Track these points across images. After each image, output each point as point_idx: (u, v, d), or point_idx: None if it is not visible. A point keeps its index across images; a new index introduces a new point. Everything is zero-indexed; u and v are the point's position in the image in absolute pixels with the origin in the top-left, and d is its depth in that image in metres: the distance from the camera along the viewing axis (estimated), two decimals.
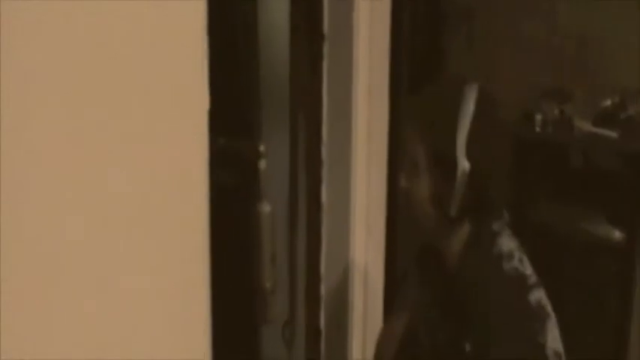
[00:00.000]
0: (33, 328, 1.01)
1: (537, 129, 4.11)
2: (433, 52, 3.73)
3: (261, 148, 2.47)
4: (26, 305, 1.00)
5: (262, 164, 2.47)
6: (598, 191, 4.00)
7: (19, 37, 0.98)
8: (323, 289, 2.61)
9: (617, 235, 3.96)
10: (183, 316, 1.31)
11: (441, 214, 1.86)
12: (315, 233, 2.60)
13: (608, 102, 4.10)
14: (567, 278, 3.68)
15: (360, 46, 2.54)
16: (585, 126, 4.09)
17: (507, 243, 1.90)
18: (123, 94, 1.15)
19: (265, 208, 2.47)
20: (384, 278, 2.73)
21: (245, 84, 2.62)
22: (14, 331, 0.96)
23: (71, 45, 1.06)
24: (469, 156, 1.78)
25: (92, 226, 1.11)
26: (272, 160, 2.54)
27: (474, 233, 1.89)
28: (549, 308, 1.92)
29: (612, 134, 4.03)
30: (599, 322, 3.86)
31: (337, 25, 2.54)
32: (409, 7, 2.92)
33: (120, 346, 1.18)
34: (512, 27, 4.21)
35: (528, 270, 1.90)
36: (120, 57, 1.13)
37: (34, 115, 1.01)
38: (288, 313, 2.56)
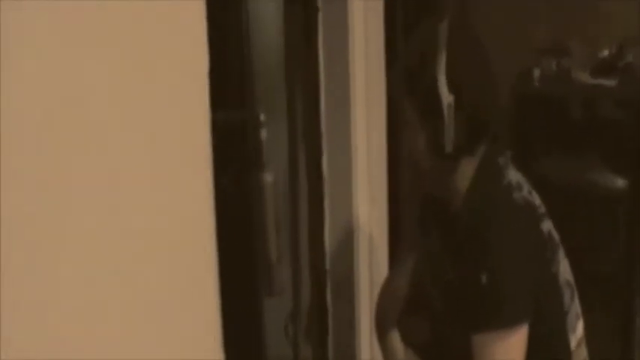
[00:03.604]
0: (35, 327, 0.95)
1: (536, 83, 4.02)
2: (428, 15, 3.59)
3: (262, 117, 2.37)
4: (28, 305, 0.94)
5: (263, 134, 2.37)
6: (600, 141, 3.93)
7: None
8: (328, 263, 2.51)
9: (620, 183, 3.88)
10: (190, 291, 1.25)
11: (439, 157, 1.80)
12: (318, 205, 2.50)
13: (606, 52, 4.02)
14: (572, 230, 3.58)
15: (355, 15, 2.44)
16: (584, 77, 4.01)
17: (515, 175, 1.88)
18: (124, 68, 1.07)
19: (268, 178, 2.37)
20: (389, 247, 2.64)
21: (241, 56, 2.52)
22: (15, 332, 0.91)
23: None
24: (451, 88, 1.74)
25: (91, 202, 1.04)
26: (272, 132, 2.44)
27: (480, 167, 1.86)
28: (558, 239, 1.91)
29: (611, 83, 3.95)
30: (606, 273, 3.77)
31: None
32: None
33: (124, 331, 1.12)
34: None
35: (537, 200, 1.89)
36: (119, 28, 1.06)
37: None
38: (292, 287, 2.47)
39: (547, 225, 1.89)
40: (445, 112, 1.74)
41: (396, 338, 2.18)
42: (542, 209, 1.89)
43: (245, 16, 2.46)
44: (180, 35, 1.17)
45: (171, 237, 1.18)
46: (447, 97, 1.74)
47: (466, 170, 1.86)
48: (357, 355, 2.53)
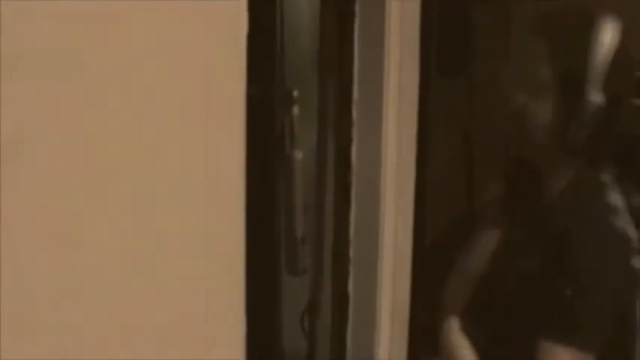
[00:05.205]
0: (37, 326, 0.95)
1: None
2: (466, 11, 3.51)
3: (295, 93, 2.31)
4: (32, 302, 0.94)
5: (296, 110, 2.31)
6: None
7: None
8: (352, 252, 2.44)
9: None
10: (217, 265, 1.24)
11: (555, 143, 1.77)
12: (344, 193, 2.43)
13: None
14: None
15: (392, 4, 2.37)
16: None
17: (616, 198, 1.81)
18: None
19: (298, 155, 2.30)
20: (413, 240, 2.56)
21: (275, 39, 2.47)
22: (14, 331, 0.91)
23: None
24: (602, 90, 1.70)
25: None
26: (302, 113, 2.38)
27: (582, 177, 1.81)
28: None
29: None
30: None
31: None
32: None
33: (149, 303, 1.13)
34: None
35: (633, 234, 1.79)
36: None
37: None
38: (313, 273, 2.39)
39: (638, 262, 1.78)
40: (587, 110, 1.70)
41: (454, 324, 2.05)
42: (636, 244, 1.79)
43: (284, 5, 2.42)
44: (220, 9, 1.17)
45: (201, 210, 1.16)
46: (594, 97, 1.70)
47: (569, 171, 1.82)
48: (375, 345, 2.44)
